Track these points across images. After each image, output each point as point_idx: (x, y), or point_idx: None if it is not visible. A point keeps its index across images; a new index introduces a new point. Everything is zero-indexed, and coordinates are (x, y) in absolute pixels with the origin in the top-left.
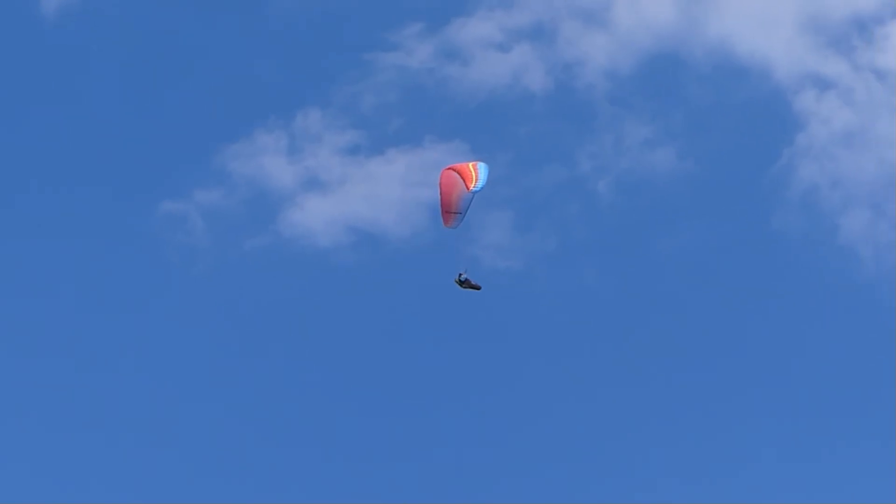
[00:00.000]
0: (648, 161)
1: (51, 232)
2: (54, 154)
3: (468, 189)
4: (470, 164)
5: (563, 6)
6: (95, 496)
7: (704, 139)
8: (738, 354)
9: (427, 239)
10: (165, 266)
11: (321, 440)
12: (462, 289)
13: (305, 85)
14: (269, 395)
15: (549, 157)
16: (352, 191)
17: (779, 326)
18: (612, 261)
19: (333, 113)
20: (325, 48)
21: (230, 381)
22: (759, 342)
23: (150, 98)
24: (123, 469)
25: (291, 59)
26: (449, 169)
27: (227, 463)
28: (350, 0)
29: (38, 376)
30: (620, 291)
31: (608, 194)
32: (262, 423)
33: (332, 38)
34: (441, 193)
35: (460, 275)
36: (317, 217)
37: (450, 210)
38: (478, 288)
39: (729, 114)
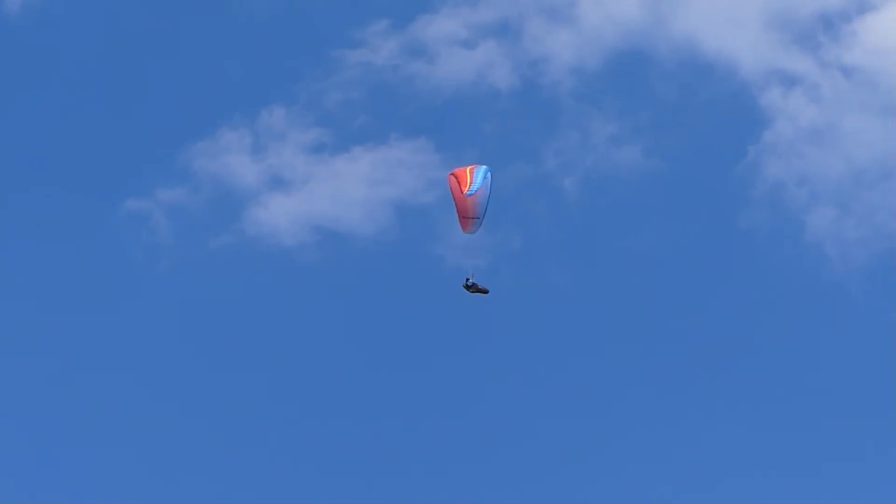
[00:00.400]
0: (614, 158)
1: (14, 231)
2: (18, 153)
3: (461, 193)
4: (468, 168)
5: (529, 3)
6: (58, 495)
7: (670, 136)
8: (704, 352)
9: (392, 237)
10: (129, 264)
11: (282, 439)
12: (470, 293)
13: (270, 82)
14: (233, 394)
15: (515, 155)
16: (316, 189)
17: (745, 324)
18: (578, 259)
19: (298, 111)
20: (290, 45)
21: (194, 380)
22: (725, 340)
23: (114, 96)
24: (81, 467)
25: (256, 56)
26: (451, 174)
27: (190, 461)
28: None
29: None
30: (586, 289)
31: (574, 192)
32: (226, 421)
33: (297, 35)
34: (453, 199)
35: (467, 279)
36: (281, 215)
37: (463, 215)
38: (485, 291)
39: (695, 111)
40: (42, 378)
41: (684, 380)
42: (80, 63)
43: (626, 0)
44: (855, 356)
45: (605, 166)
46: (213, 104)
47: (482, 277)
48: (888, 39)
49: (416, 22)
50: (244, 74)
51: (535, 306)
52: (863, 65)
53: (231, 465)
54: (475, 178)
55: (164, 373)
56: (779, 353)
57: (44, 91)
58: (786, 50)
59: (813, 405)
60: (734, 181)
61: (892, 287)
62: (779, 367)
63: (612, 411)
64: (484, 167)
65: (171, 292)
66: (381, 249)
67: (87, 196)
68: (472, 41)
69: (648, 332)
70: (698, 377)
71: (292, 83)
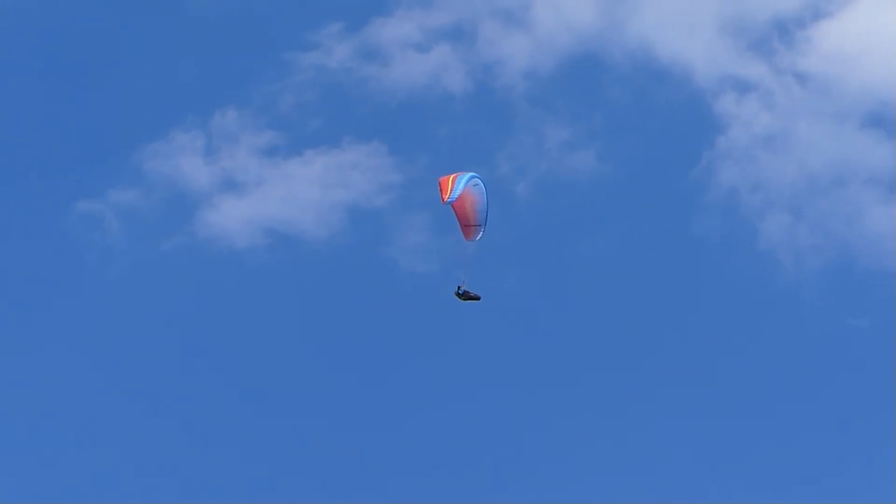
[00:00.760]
0: (568, 163)
1: None
2: None
3: (443, 201)
4: (452, 176)
5: (483, 6)
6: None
7: (624, 141)
8: (657, 357)
9: (345, 241)
10: (81, 266)
11: (232, 440)
12: (462, 301)
13: (223, 84)
14: (184, 396)
15: (469, 159)
16: (269, 192)
17: (698, 330)
18: (531, 263)
19: (251, 113)
20: (244, 47)
21: (146, 382)
22: (677, 346)
23: (66, 96)
24: (27, 468)
25: (209, 57)
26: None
27: (137, 465)
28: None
29: None
30: (539, 294)
31: (527, 196)
32: (176, 422)
33: (250, 36)
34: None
35: (459, 287)
36: (233, 218)
37: (464, 223)
38: (477, 298)
39: (649, 116)
40: None
41: (636, 384)
42: (32, 63)
43: (581, 4)
44: (808, 363)
45: (558, 171)
46: (166, 105)
47: (435, 282)
48: (843, 46)
49: (369, 25)
50: (197, 76)
51: (488, 311)
52: (817, 71)
53: (180, 466)
54: (456, 185)
55: (115, 375)
56: (731, 360)
57: None
58: (740, 56)
59: (764, 412)
60: (688, 187)
61: (845, 294)
62: (731, 374)
63: (562, 414)
64: (469, 174)
65: (122, 294)
66: (334, 252)
67: (39, 197)
68: (425, 44)
69: (601, 337)
70: (651, 382)
71: (245, 85)
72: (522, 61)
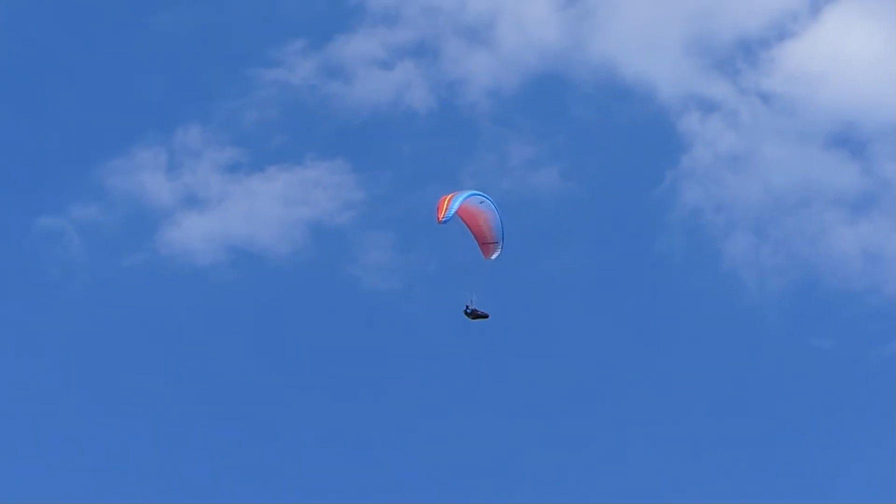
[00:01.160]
0: (531, 181)
1: None
2: None
3: (437, 220)
4: (448, 196)
5: (447, 24)
6: None
7: (588, 160)
8: (618, 378)
9: (307, 258)
10: (42, 281)
11: (190, 458)
12: (471, 320)
13: (185, 100)
14: (145, 413)
15: (432, 177)
16: (231, 208)
17: (661, 350)
18: (494, 282)
19: (214, 129)
20: (206, 63)
21: (106, 397)
22: (641, 365)
23: (28, 112)
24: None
25: (171, 73)
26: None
27: (94, 478)
28: (231, 15)
29: None
30: (501, 313)
31: None
32: (134, 438)
33: (212, 52)
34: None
35: (467, 307)
36: (195, 235)
37: (482, 241)
38: (486, 316)
39: (613, 135)
40: None
41: (597, 403)
42: None
43: (545, 23)
44: (770, 384)
45: (522, 189)
46: (129, 121)
47: (397, 300)
48: (807, 67)
49: (333, 42)
50: (160, 92)
51: (450, 328)
52: (782, 91)
53: (137, 480)
54: (451, 204)
55: (76, 390)
56: (693, 380)
57: None
58: (705, 75)
59: (727, 433)
60: (651, 206)
61: (808, 315)
62: (693, 394)
63: (525, 433)
64: (468, 192)
65: (83, 310)
66: (296, 270)
67: (0, 212)
68: (389, 62)
69: (563, 357)
70: (612, 399)
71: (208, 101)
72: (486, 79)
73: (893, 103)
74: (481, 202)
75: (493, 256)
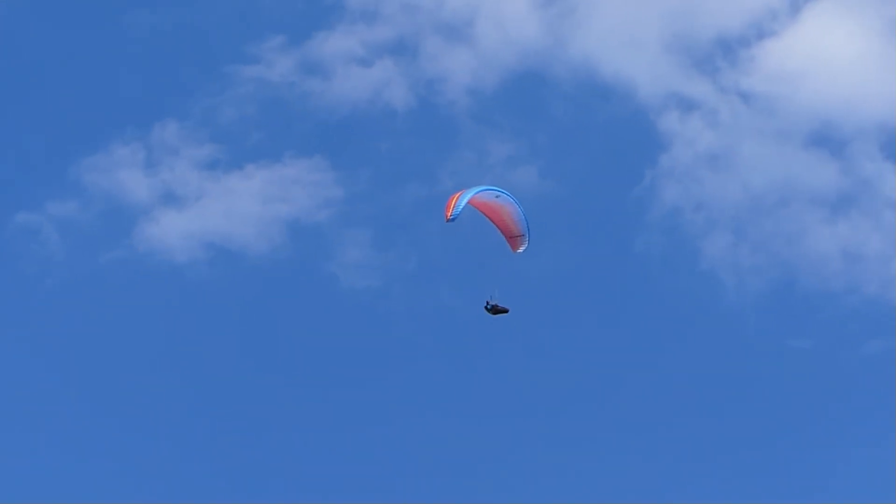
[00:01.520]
0: (510, 179)
1: None
2: None
3: (446, 219)
4: (457, 194)
5: (426, 22)
6: None
7: (567, 158)
8: (596, 376)
9: (285, 255)
10: (19, 278)
11: (172, 455)
12: (492, 315)
13: (163, 97)
14: (121, 409)
15: (411, 174)
16: (209, 206)
17: (640, 349)
18: (472, 280)
19: (192, 126)
20: (185, 60)
21: (82, 394)
22: (618, 364)
23: (5, 108)
24: None
25: (149, 70)
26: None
27: (71, 477)
28: (210, 11)
29: None
30: (480, 311)
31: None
32: (110, 436)
33: (191, 49)
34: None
35: (487, 302)
36: (173, 232)
37: (508, 235)
38: (506, 311)
39: (592, 133)
40: None
41: (575, 403)
42: None
43: (524, 20)
44: (748, 383)
45: (500, 187)
46: (106, 118)
47: (376, 298)
48: (787, 66)
49: (312, 39)
50: (137, 88)
51: (429, 327)
52: (761, 91)
53: (112, 478)
54: (460, 201)
55: (51, 386)
56: (671, 379)
57: None
58: (684, 74)
59: (704, 433)
60: (630, 205)
61: (786, 314)
62: (670, 393)
63: (501, 433)
64: (478, 188)
65: (60, 306)
66: (274, 267)
67: None
68: (368, 59)
69: (542, 355)
70: (590, 399)
71: (186, 98)
72: (465, 77)
73: (873, 103)
74: (497, 196)
75: (521, 249)
